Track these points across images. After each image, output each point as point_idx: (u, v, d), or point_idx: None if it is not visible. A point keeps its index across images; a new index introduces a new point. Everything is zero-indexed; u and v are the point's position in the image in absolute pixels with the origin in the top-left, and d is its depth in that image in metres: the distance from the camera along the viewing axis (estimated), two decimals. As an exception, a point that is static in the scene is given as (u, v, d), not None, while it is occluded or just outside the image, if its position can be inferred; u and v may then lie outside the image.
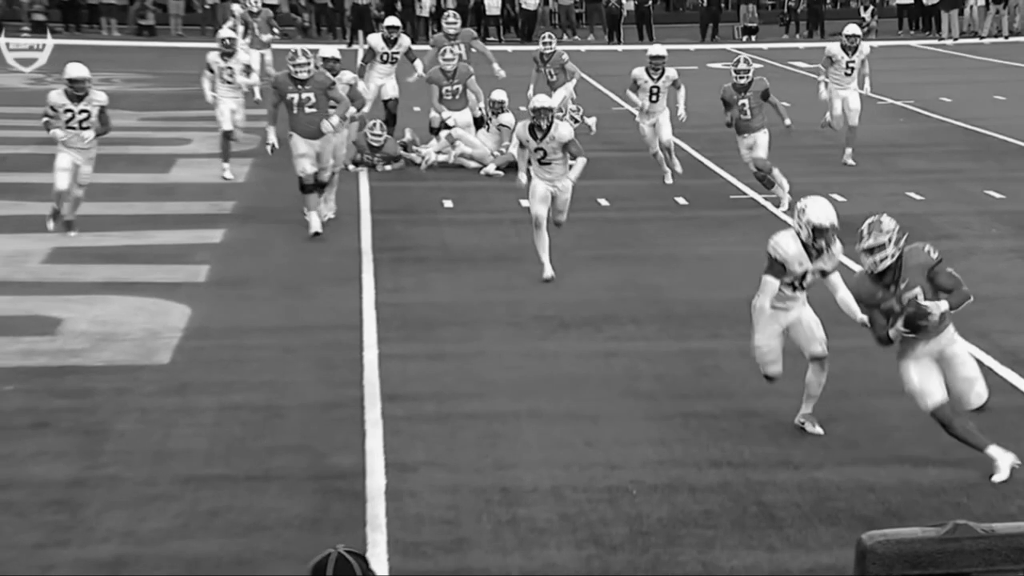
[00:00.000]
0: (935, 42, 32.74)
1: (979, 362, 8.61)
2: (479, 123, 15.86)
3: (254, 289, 10.59)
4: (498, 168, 15.19)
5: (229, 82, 14.78)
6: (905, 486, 6.79)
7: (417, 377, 8.49)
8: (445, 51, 15.67)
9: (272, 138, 12.19)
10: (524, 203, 10.88)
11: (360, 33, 28.80)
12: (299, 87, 11.87)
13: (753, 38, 33.34)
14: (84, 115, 11.63)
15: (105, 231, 12.31)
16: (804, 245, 7.25)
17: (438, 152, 15.69)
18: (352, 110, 12.98)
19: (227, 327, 9.58)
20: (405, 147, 15.81)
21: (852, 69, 15.30)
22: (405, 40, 16.45)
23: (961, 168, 15.63)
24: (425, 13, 33.43)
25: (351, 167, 14.84)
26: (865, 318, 7.01)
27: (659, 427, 7.65)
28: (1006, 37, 33.18)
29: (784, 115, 13.24)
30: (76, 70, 11.71)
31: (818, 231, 7.16)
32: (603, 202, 13.53)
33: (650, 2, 33.98)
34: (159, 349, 9.06)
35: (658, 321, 9.69)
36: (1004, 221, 12.89)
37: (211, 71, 14.85)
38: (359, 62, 16.36)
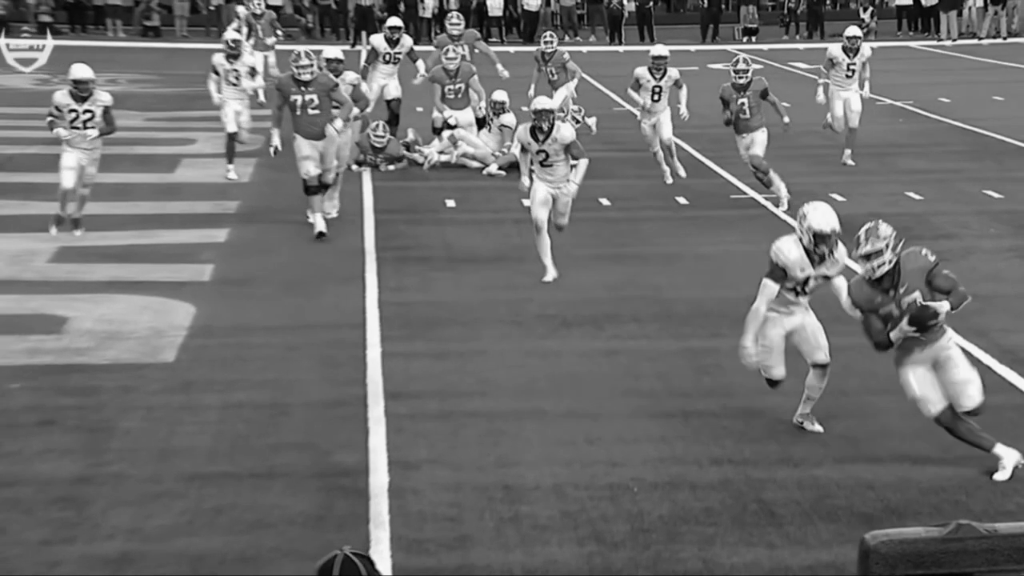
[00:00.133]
0: (934, 43, 32.73)
1: (978, 361, 8.63)
2: (481, 123, 15.85)
3: (258, 288, 10.59)
4: (500, 168, 15.19)
5: (234, 84, 14.75)
6: (904, 484, 6.78)
7: (420, 375, 8.49)
8: (448, 50, 15.67)
9: (276, 140, 12.17)
10: (526, 203, 10.87)
11: (363, 34, 28.80)
12: (302, 89, 11.86)
13: (753, 39, 33.33)
14: (88, 115, 11.64)
15: (110, 230, 12.32)
16: (806, 251, 7.19)
17: (440, 152, 15.69)
18: (355, 111, 12.97)
19: (231, 326, 9.58)
20: (408, 147, 15.81)
21: (853, 71, 15.28)
22: (407, 40, 16.44)
23: (960, 168, 15.62)
24: (428, 14, 33.44)
25: (354, 167, 14.83)
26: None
27: (660, 425, 7.64)
28: (1004, 38, 33.16)
29: (783, 113, 13.25)
30: (81, 71, 11.71)
31: (819, 237, 7.11)
32: (604, 202, 13.52)
33: (651, 3, 33.97)
34: (164, 347, 9.07)
35: (659, 320, 9.69)
36: (1002, 221, 12.88)
37: (216, 73, 14.80)
38: (362, 63, 16.34)
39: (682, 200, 13.80)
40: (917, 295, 6.68)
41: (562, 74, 16.65)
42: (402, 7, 32.28)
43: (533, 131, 10.53)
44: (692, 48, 30.06)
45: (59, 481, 6.86)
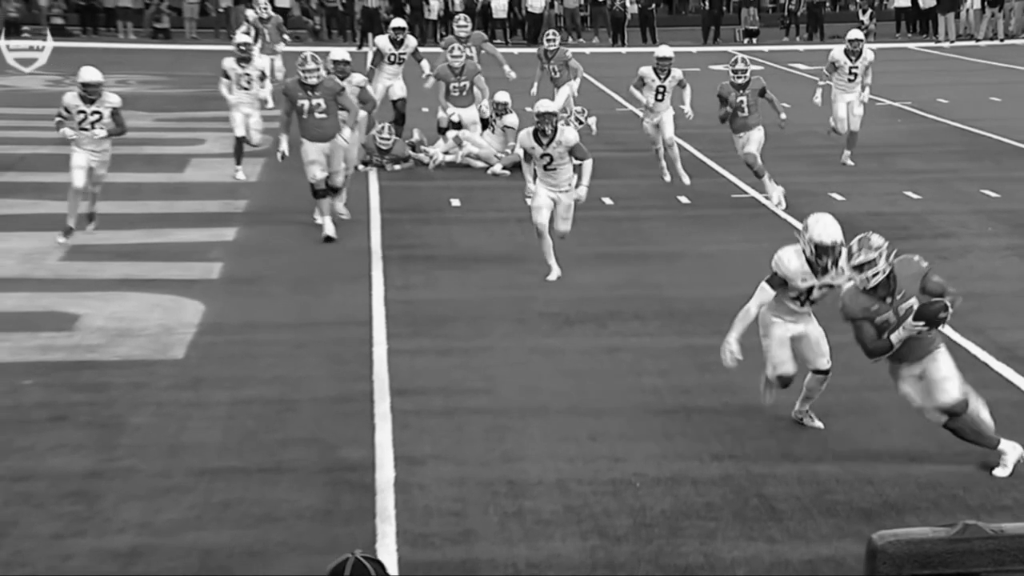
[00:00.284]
0: (932, 45, 32.70)
1: (975, 358, 8.64)
2: (484, 124, 15.85)
3: (266, 286, 10.60)
4: (504, 168, 15.18)
5: (246, 88, 14.66)
6: (903, 479, 6.78)
7: (425, 372, 8.49)
8: (453, 48, 15.68)
9: (284, 146, 12.04)
10: (530, 202, 10.85)
11: (370, 35, 28.81)
12: (309, 93, 11.81)
13: (754, 40, 33.31)
14: (96, 116, 11.60)
15: (121, 229, 12.33)
16: (809, 262, 7.11)
17: (445, 152, 15.69)
18: (362, 114, 12.94)
19: (240, 323, 9.59)
20: (413, 147, 15.81)
21: (855, 74, 15.26)
22: (412, 41, 16.43)
23: (958, 168, 15.61)
24: (433, 16, 33.43)
25: (360, 167, 14.83)
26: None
27: (662, 421, 7.64)
28: (1001, 40, 33.13)
29: (780, 110, 13.25)
30: (89, 74, 11.67)
31: (821, 249, 7.03)
32: (607, 201, 13.52)
33: (653, 5, 33.96)
34: (174, 344, 9.07)
35: (661, 318, 9.69)
36: (1000, 220, 12.87)
37: (227, 77, 14.68)
38: (368, 64, 16.34)
39: (684, 199, 13.79)
40: (914, 301, 6.65)
41: (564, 72, 16.64)
42: (408, 9, 32.27)
43: (536, 134, 10.42)
44: (694, 49, 30.04)
45: (71, 476, 6.87)
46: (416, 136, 16.03)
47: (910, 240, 12.04)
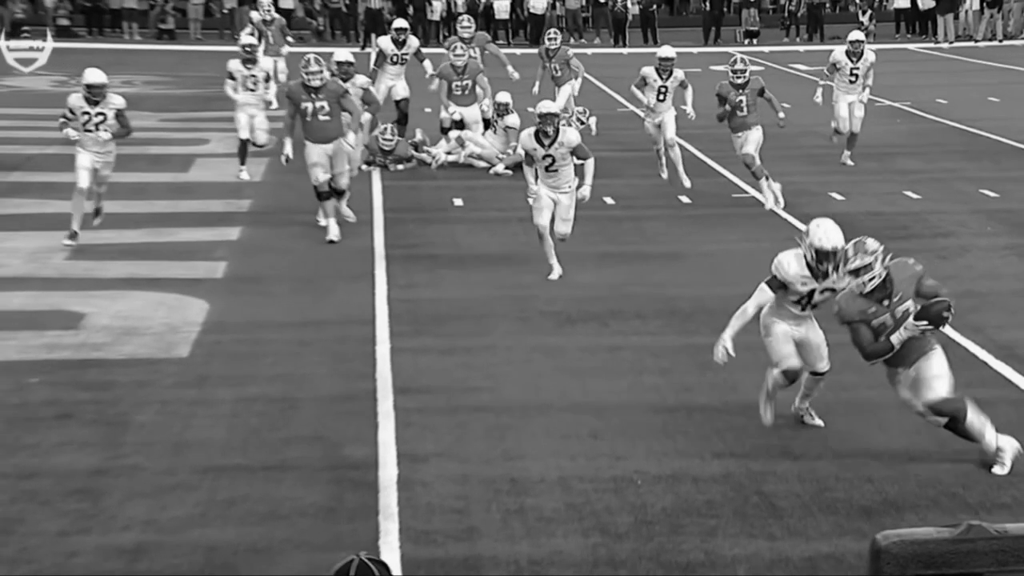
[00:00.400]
0: (931, 45, 32.67)
1: (974, 357, 8.63)
2: (486, 125, 15.84)
3: (270, 285, 10.60)
4: (506, 168, 15.18)
5: (252, 90, 14.62)
6: (902, 477, 6.77)
7: (428, 371, 8.49)
8: (456, 47, 15.69)
9: (288, 149, 11.95)
10: (531, 201, 10.83)
11: (373, 36, 28.81)
12: (313, 96, 11.75)
13: (755, 41, 33.29)
14: (100, 118, 11.55)
15: (126, 228, 12.33)
16: (809, 266, 7.04)
17: (448, 153, 15.69)
18: (366, 116, 12.90)
19: (244, 322, 9.59)
20: (416, 147, 15.81)
21: (857, 75, 15.24)
22: (414, 41, 16.41)
23: (957, 168, 15.60)
24: (436, 17, 33.43)
25: (363, 167, 14.82)
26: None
27: (663, 419, 7.64)
28: (1000, 40, 33.10)
29: (778, 109, 13.23)
30: (94, 76, 11.62)
31: (822, 254, 6.95)
32: (608, 200, 13.51)
33: (654, 6, 33.94)
34: (178, 343, 9.07)
35: (662, 316, 9.68)
36: (998, 219, 12.86)
37: (233, 78, 14.62)
38: (371, 65, 16.32)
39: (685, 199, 13.78)
40: (910, 303, 6.61)
41: (565, 70, 16.64)
42: (410, 10, 32.27)
43: (538, 135, 10.36)
44: (695, 50, 30.02)
45: (76, 473, 6.87)
46: (419, 136, 16.02)
47: (910, 239, 12.04)
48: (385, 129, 15.35)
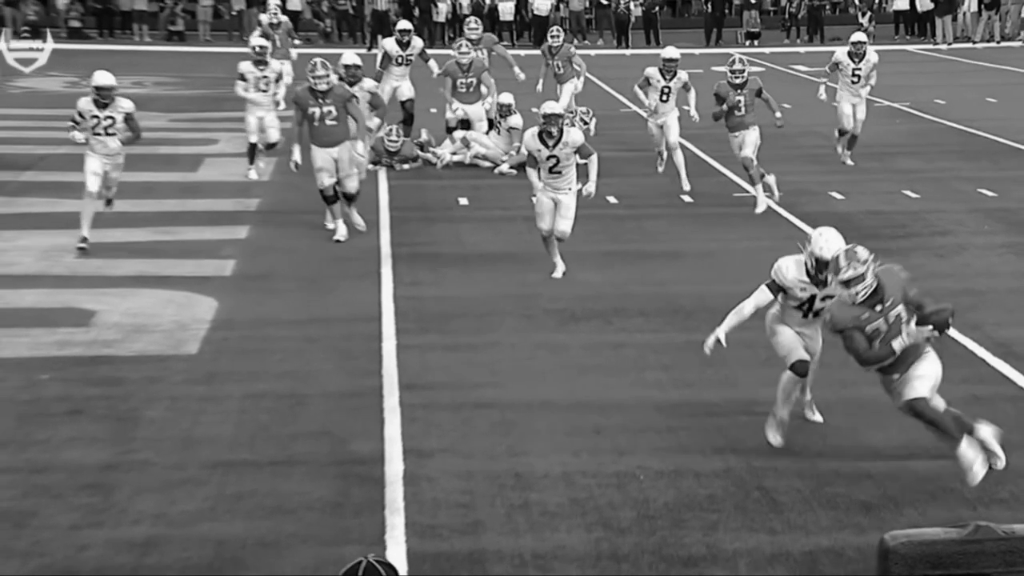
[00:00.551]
0: (930, 47, 32.63)
1: (972, 354, 8.62)
2: (490, 125, 15.83)
3: (278, 283, 10.60)
4: (511, 167, 15.16)
5: (264, 91, 14.59)
6: (901, 472, 6.76)
7: (433, 367, 8.49)
8: (461, 44, 15.69)
9: (296, 155, 11.86)
10: (535, 200, 10.81)
11: (379, 37, 28.80)
12: (320, 100, 11.68)
13: (756, 42, 33.25)
14: (109, 121, 11.45)
15: (136, 227, 12.34)
16: (809, 273, 6.95)
17: (453, 153, 15.68)
18: (375, 121, 12.81)
19: (252, 319, 9.59)
20: (422, 147, 15.80)
21: (859, 76, 15.22)
22: (418, 42, 16.40)
23: (955, 167, 15.58)
24: (441, 18, 33.42)
25: (370, 166, 14.81)
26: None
27: (665, 415, 7.63)
28: (998, 42, 33.06)
29: (775, 109, 13.18)
30: (103, 78, 11.53)
31: (821, 263, 6.83)
32: (611, 200, 13.50)
33: (657, 7, 33.92)
34: (187, 340, 9.08)
35: (665, 314, 9.67)
36: (996, 218, 12.85)
37: (244, 79, 14.52)
38: (377, 66, 16.31)
39: (686, 198, 13.77)
40: (901, 308, 6.49)
41: (568, 68, 16.62)
42: (416, 12, 32.26)
43: (541, 136, 10.29)
44: (696, 51, 29.98)
45: (87, 468, 6.87)
46: (424, 136, 16.02)
47: (908, 238, 12.03)
48: (391, 130, 15.34)
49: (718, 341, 7.06)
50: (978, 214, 13.01)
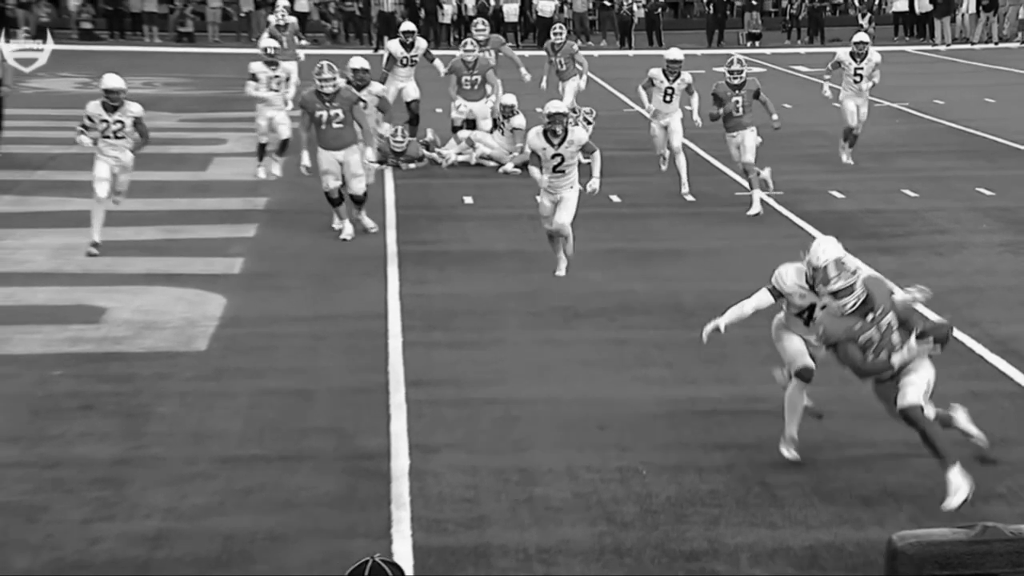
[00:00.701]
0: (929, 48, 32.57)
1: (970, 351, 8.61)
2: (493, 124, 15.82)
3: (286, 281, 10.60)
4: (516, 166, 15.15)
5: (276, 90, 14.56)
6: (901, 468, 6.76)
7: (439, 364, 8.49)
8: (467, 43, 15.68)
9: (307, 160, 11.83)
10: (539, 199, 10.79)
11: (385, 39, 28.80)
12: (327, 104, 11.65)
13: (757, 43, 33.21)
14: (118, 125, 11.37)
15: (146, 225, 12.35)
16: (807, 281, 6.87)
17: (459, 154, 15.68)
18: (387, 127, 12.73)
19: (260, 316, 9.60)
20: (427, 147, 15.80)
21: (860, 76, 15.20)
22: (421, 43, 16.39)
23: (953, 167, 15.56)
24: (447, 20, 33.39)
25: (376, 165, 14.80)
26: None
27: (668, 411, 7.63)
28: (996, 43, 32.99)
29: (772, 111, 13.14)
30: (111, 81, 11.45)
31: (818, 272, 6.89)
32: (615, 199, 13.50)
33: (659, 9, 33.88)
34: (197, 337, 9.08)
35: (667, 311, 9.67)
36: (994, 217, 12.83)
37: (255, 79, 14.45)
38: (382, 68, 16.30)
39: (689, 197, 13.76)
40: (892, 316, 6.35)
41: (570, 65, 16.60)
42: (422, 13, 32.24)
43: (546, 135, 10.22)
44: (698, 52, 29.93)
45: (99, 463, 6.88)
46: (430, 136, 16.01)
47: (908, 236, 12.02)
48: (396, 131, 15.33)
49: (717, 329, 7.02)
50: (976, 213, 12.99)
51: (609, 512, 6.27)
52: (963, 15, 33.79)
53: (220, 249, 11.59)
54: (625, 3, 33.29)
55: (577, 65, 16.64)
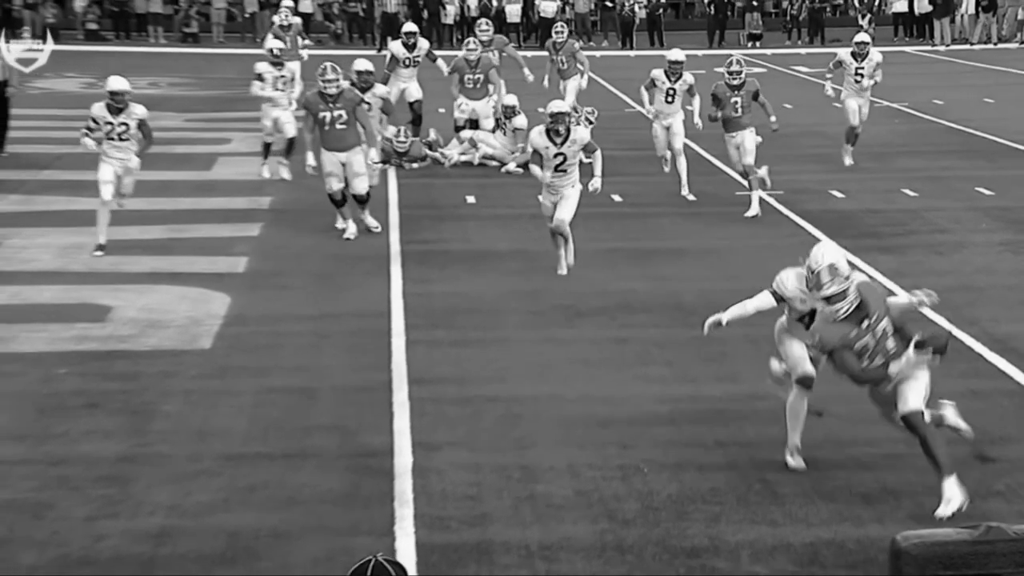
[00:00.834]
0: (928, 48, 32.54)
1: (969, 349, 8.60)
2: (495, 124, 15.81)
3: (289, 279, 10.60)
4: (518, 166, 15.15)
5: (281, 90, 14.55)
6: (900, 465, 6.74)
7: (442, 362, 8.49)
8: (469, 42, 15.68)
9: (311, 160, 11.82)
10: (541, 198, 10.78)
11: (389, 39, 28.80)
12: (330, 105, 11.63)
13: (758, 44, 33.19)
14: (123, 127, 11.34)
15: (151, 224, 12.35)
16: (807, 286, 6.93)
17: (461, 154, 15.67)
18: (391, 129, 12.71)
19: (264, 315, 9.59)
20: (430, 147, 15.79)
21: (861, 75, 15.19)
22: (424, 43, 16.38)
23: (953, 166, 15.54)
24: (450, 20, 33.38)
25: (379, 165, 14.79)
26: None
27: (669, 409, 7.62)
28: (995, 43, 32.96)
29: (771, 113, 13.10)
30: (116, 83, 11.41)
31: (812, 277, 6.83)
32: (616, 198, 13.49)
33: (661, 9, 33.86)
34: (201, 335, 9.08)
35: (668, 310, 9.66)
36: (993, 216, 12.82)
37: (261, 79, 14.44)
38: (385, 68, 16.30)
39: (690, 197, 13.75)
40: (887, 322, 6.29)
41: (571, 63, 16.59)
42: (425, 14, 32.23)
43: (549, 134, 10.22)
44: (699, 52, 29.90)
45: (104, 460, 6.88)
46: (433, 136, 16.01)
47: (908, 236, 12.01)
48: (399, 132, 15.32)
49: (719, 323, 7.00)
50: (976, 212, 12.98)
51: (610, 509, 6.27)
52: (962, 16, 33.76)
53: (224, 248, 11.60)
54: (627, 4, 33.28)
55: (578, 64, 16.64)
